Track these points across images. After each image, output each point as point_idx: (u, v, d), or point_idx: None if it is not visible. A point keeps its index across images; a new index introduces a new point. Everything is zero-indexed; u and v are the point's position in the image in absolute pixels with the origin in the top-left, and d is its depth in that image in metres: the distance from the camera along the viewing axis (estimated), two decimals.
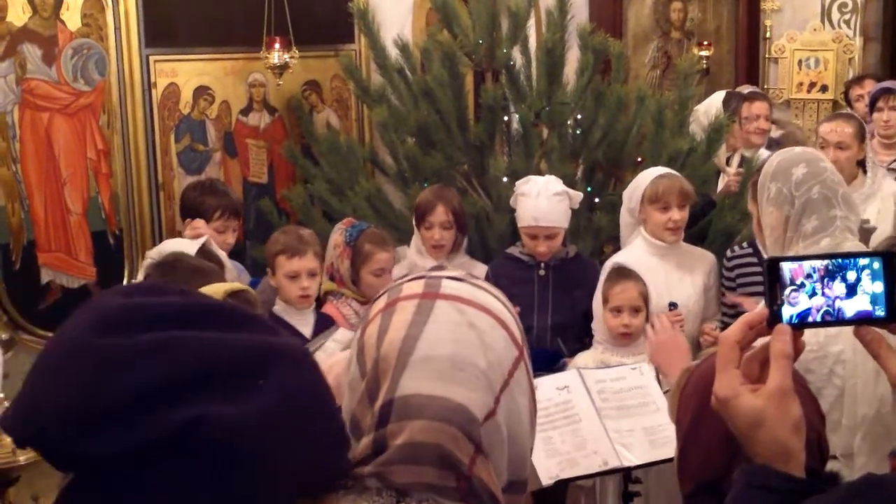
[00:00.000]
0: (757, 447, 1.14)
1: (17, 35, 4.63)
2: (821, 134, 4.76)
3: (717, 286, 3.90)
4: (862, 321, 1.16)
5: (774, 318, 1.15)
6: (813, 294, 1.15)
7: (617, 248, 4.19)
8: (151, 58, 5.04)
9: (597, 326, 3.62)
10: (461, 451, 1.08)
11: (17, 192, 4.68)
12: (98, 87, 4.89)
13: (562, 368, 3.52)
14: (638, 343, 3.54)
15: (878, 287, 1.15)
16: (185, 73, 5.20)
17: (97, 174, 4.91)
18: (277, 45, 5.12)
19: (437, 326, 1.12)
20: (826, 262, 1.15)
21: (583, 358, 3.60)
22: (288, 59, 5.15)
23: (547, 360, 3.57)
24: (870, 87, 6.13)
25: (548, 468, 2.90)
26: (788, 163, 2.66)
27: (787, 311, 1.15)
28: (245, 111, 5.43)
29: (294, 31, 5.17)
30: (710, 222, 4.56)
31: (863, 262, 1.15)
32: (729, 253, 3.83)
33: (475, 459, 1.09)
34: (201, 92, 5.26)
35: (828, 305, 1.15)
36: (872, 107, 5.39)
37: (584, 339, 3.82)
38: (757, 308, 1.27)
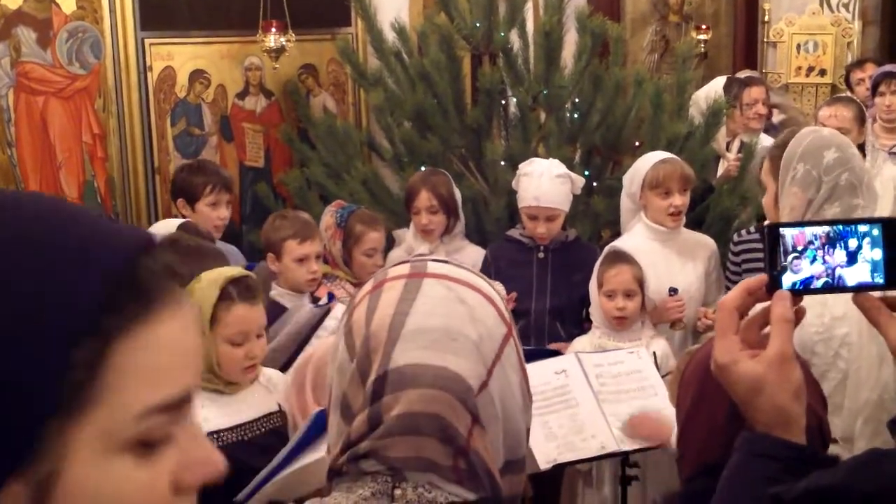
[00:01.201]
0: (757, 414, 1.13)
1: (12, 18, 4.60)
2: (820, 119, 4.75)
3: (718, 271, 3.89)
4: (861, 289, 1.16)
5: (774, 283, 1.15)
6: (814, 261, 1.14)
7: (615, 233, 4.18)
8: (147, 41, 5.01)
9: (593, 311, 3.62)
10: (459, 420, 1.07)
11: (13, 175, 4.66)
12: (93, 71, 4.86)
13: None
14: (635, 328, 3.54)
15: (878, 254, 1.14)
16: (181, 56, 5.17)
17: (93, 158, 4.89)
18: (274, 29, 5.08)
19: (427, 301, 1.11)
20: (827, 229, 1.15)
21: (580, 342, 3.59)
22: (284, 43, 5.12)
23: (544, 356, 3.54)
24: (871, 70, 6.12)
25: (545, 452, 2.90)
26: (820, 146, 2.60)
27: (789, 278, 1.15)
28: (241, 95, 5.41)
29: (290, 15, 5.13)
30: (709, 207, 4.55)
31: (863, 228, 1.14)
32: (736, 237, 3.82)
33: (472, 431, 1.07)
34: (197, 75, 5.24)
35: (828, 273, 1.15)
36: (874, 91, 5.38)
37: (582, 324, 3.82)
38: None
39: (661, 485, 3.28)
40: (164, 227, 3.55)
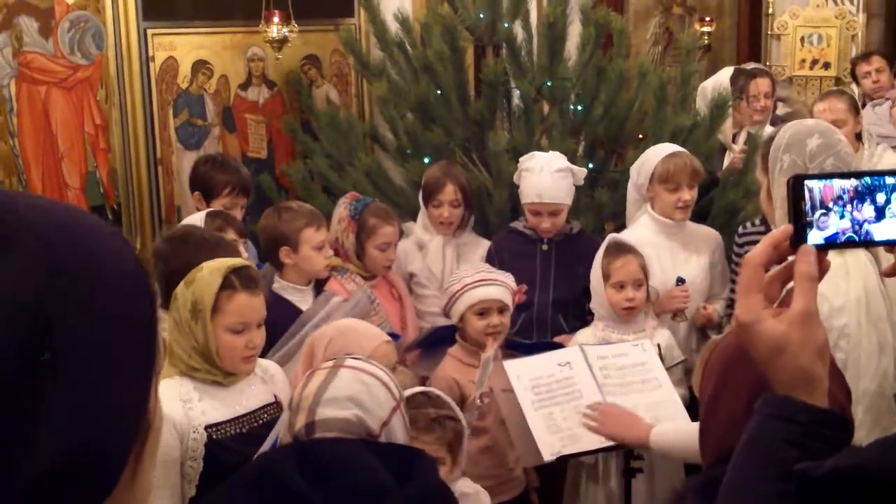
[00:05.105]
0: (779, 374, 1.10)
1: (14, 7, 4.58)
2: (815, 114, 4.75)
3: (723, 264, 3.89)
4: (888, 244, 1.14)
5: (798, 238, 1.12)
6: (842, 217, 1.12)
7: (619, 225, 4.17)
8: (149, 31, 4.99)
9: (597, 303, 3.59)
10: None
11: (15, 166, 4.64)
12: (96, 61, 4.84)
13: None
14: (639, 319, 3.52)
15: None
16: (184, 46, 5.15)
17: (95, 148, 4.87)
18: (276, 19, 5.06)
19: (340, 382, 1.93)
20: (855, 182, 1.12)
21: (584, 335, 3.57)
22: (287, 33, 5.10)
23: (546, 347, 3.53)
24: (877, 63, 6.12)
25: (549, 444, 2.90)
26: (802, 134, 2.62)
27: (816, 235, 1.12)
28: (244, 86, 5.39)
29: (293, 5, 5.11)
30: (713, 200, 4.54)
31: (890, 180, 1.12)
32: (741, 229, 3.81)
33: None
34: (200, 66, 5.22)
35: (854, 230, 1.12)
36: None
37: (585, 316, 3.80)
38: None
39: (666, 477, 3.27)
40: (198, 220, 3.55)
